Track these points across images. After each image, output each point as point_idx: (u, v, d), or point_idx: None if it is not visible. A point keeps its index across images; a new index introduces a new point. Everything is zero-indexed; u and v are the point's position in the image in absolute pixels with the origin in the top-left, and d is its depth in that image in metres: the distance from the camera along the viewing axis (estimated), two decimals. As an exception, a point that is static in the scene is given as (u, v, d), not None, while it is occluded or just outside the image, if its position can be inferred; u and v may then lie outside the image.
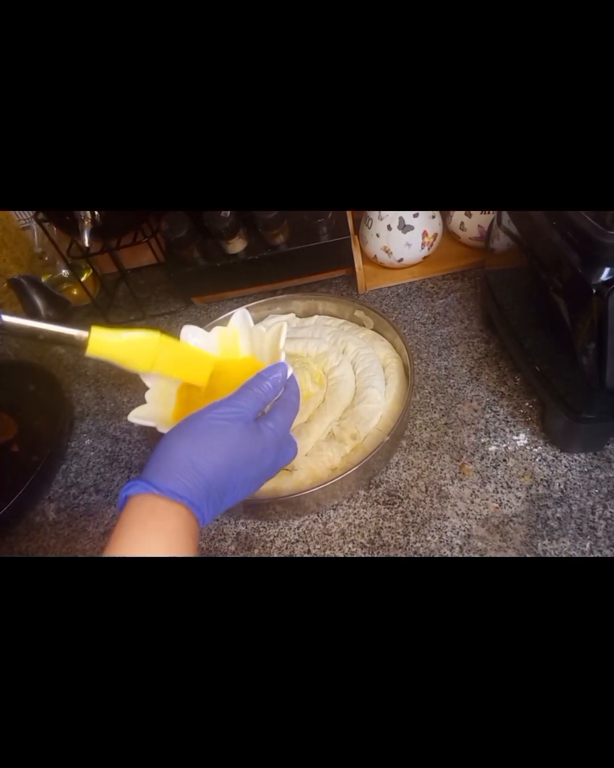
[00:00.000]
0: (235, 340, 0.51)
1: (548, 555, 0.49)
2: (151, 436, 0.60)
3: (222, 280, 0.82)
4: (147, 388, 0.48)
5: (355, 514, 0.56)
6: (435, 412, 0.63)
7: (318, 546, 0.55)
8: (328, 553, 0.54)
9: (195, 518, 0.36)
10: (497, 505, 0.54)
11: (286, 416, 0.42)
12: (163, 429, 0.44)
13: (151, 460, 0.37)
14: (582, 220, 0.42)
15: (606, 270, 0.41)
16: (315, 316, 0.73)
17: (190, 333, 0.50)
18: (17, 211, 0.93)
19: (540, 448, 0.57)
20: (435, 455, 0.59)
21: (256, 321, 0.74)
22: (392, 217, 0.75)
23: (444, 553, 0.51)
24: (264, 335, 0.48)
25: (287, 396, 0.43)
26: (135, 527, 0.35)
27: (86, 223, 0.69)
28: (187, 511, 0.35)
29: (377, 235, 0.77)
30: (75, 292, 0.92)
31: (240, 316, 0.51)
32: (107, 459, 0.70)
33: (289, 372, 0.43)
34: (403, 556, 0.52)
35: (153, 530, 0.34)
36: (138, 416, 0.46)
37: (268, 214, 0.71)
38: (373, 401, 0.59)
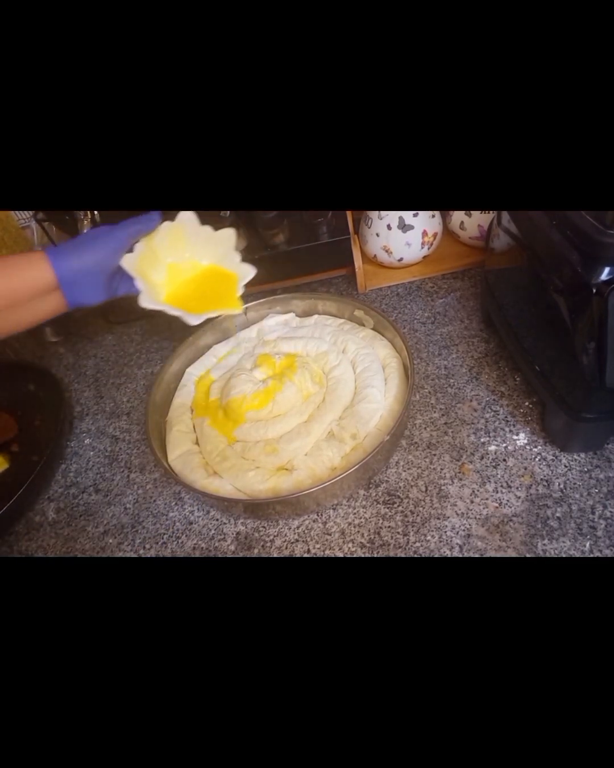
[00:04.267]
0: (182, 237, 0.56)
1: (548, 555, 0.49)
2: (150, 436, 0.60)
3: (222, 280, 0.82)
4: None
5: (355, 513, 0.56)
6: (435, 411, 0.63)
7: (318, 546, 0.55)
8: (328, 553, 0.54)
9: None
10: (497, 504, 0.54)
11: None
12: (140, 285, 0.51)
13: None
14: (582, 220, 0.42)
15: (606, 270, 0.41)
16: (315, 316, 0.73)
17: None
18: (17, 211, 0.92)
19: (540, 447, 0.57)
20: (435, 455, 0.59)
21: (256, 321, 0.74)
22: (392, 216, 0.74)
23: (444, 552, 0.51)
24: (216, 238, 0.56)
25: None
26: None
27: (86, 222, 0.69)
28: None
29: (377, 235, 0.77)
30: (75, 292, 0.92)
31: (189, 216, 0.56)
32: (107, 459, 0.70)
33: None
34: (403, 555, 0.52)
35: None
36: (127, 263, 0.50)
37: (267, 213, 0.71)
38: (373, 401, 0.59)
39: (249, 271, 0.56)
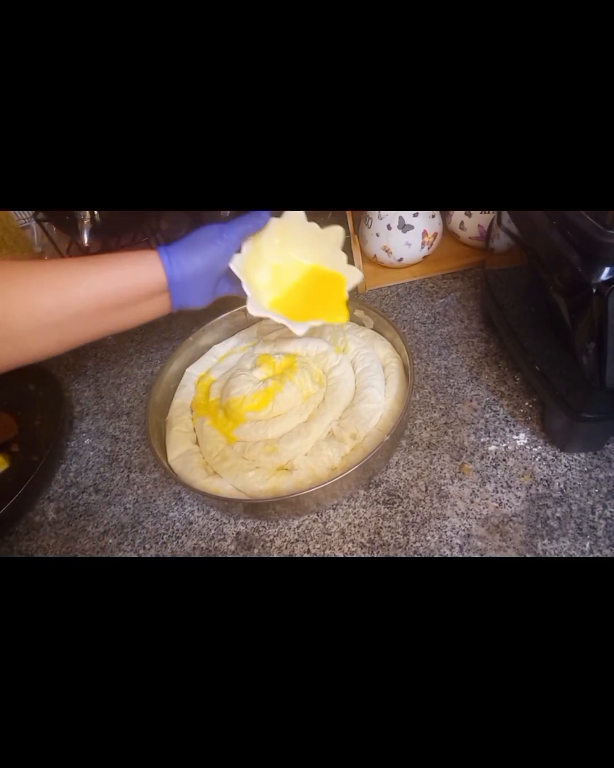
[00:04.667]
0: (288, 233, 0.54)
1: (548, 555, 0.49)
2: (150, 436, 0.60)
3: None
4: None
5: (355, 513, 0.56)
6: (435, 411, 0.63)
7: (318, 546, 0.55)
8: (328, 553, 0.54)
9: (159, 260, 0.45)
10: (497, 504, 0.54)
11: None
12: (247, 290, 0.49)
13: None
14: (582, 220, 0.42)
15: (606, 270, 0.41)
16: (315, 316, 0.73)
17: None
18: (17, 211, 0.92)
19: (539, 447, 0.57)
20: (435, 455, 0.59)
21: (256, 320, 0.74)
22: (392, 216, 0.74)
23: (444, 552, 0.51)
24: (323, 236, 0.53)
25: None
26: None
27: (86, 222, 0.69)
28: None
29: (377, 235, 0.77)
30: (74, 292, 0.92)
31: (297, 213, 0.53)
32: (107, 459, 0.70)
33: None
34: (403, 555, 0.52)
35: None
36: (236, 265, 0.49)
37: (267, 213, 0.71)
38: (373, 401, 0.59)
39: (356, 275, 0.54)
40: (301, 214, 0.53)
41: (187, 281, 0.46)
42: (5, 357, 0.42)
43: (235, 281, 0.50)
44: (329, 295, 0.54)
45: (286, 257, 0.54)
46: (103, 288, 0.43)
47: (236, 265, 0.48)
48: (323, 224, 0.75)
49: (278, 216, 0.52)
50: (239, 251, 0.49)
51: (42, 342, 0.43)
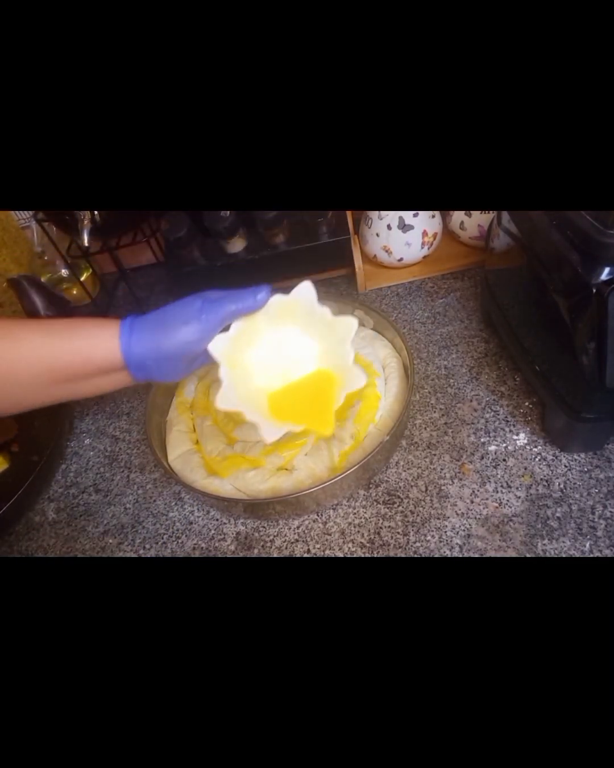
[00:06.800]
0: (293, 314, 0.48)
1: (548, 555, 0.49)
2: (150, 436, 0.60)
3: (222, 280, 0.81)
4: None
5: (355, 513, 0.56)
6: (435, 411, 0.63)
7: (317, 546, 0.55)
8: (328, 553, 0.54)
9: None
10: (497, 504, 0.54)
11: None
12: (223, 375, 0.44)
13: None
14: (582, 220, 0.42)
15: (606, 270, 0.41)
16: (315, 316, 0.73)
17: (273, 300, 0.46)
18: (17, 211, 0.92)
19: (540, 447, 0.57)
20: (435, 455, 0.59)
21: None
22: (392, 216, 0.75)
23: (444, 552, 0.51)
24: (333, 326, 0.46)
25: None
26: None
27: (86, 222, 0.69)
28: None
29: (377, 235, 0.77)
30: (74, 292, 0.92)
31: (306, 288, 0.47)
32: (107, 459, 0.70)
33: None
34: (403, 555, 0.52)
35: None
36: (216, 348, 0.44)
37: (267, 213, 0.71)
38: (373, 401, 0.59)
39: (359, 379, 0.45)
40: (313, 294, 0.47)
41: (147, 363, 0.41)
42: None
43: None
44: (323, 399, 0.47)
45: (287, 332, 0.48)
46: (49, 361, 0.39)
47: (216, 347, 0.43)
48: (322, 224, 0.76)
49: (286, 294, 0.47)
50: (226, 330, 0.44)
51: None
